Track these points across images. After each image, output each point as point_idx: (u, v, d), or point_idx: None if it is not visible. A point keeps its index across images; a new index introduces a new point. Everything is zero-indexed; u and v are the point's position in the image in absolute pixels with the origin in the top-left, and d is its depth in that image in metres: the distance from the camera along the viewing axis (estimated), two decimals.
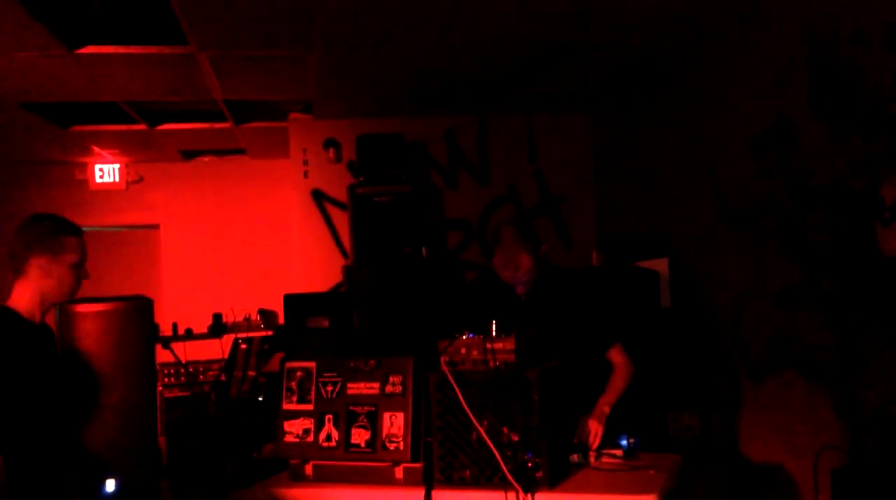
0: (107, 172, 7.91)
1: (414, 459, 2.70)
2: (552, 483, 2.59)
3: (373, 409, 2.75)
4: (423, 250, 5.92)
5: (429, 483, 2.67)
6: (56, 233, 2.52)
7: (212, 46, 4.55)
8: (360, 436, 2.75)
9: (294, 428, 2.84)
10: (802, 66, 3.65)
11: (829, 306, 3.54)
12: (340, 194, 6.31)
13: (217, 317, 6.36)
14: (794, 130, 3.76)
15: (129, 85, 5.29)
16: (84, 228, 8.67)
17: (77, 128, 6.50)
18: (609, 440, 3.01)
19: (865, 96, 3.24)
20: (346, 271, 6.16)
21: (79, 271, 2.57)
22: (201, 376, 6.71)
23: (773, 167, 3.95)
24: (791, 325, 3.85)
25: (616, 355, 3.33)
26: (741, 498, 4.08)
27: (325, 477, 2.81)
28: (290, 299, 5.70)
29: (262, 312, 6.33)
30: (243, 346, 6.22)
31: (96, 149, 7.37)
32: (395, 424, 2.71)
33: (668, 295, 4.73)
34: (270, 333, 6.21)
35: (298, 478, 2.85)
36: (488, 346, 2.69)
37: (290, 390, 2.88)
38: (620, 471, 2.78)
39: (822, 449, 3.45)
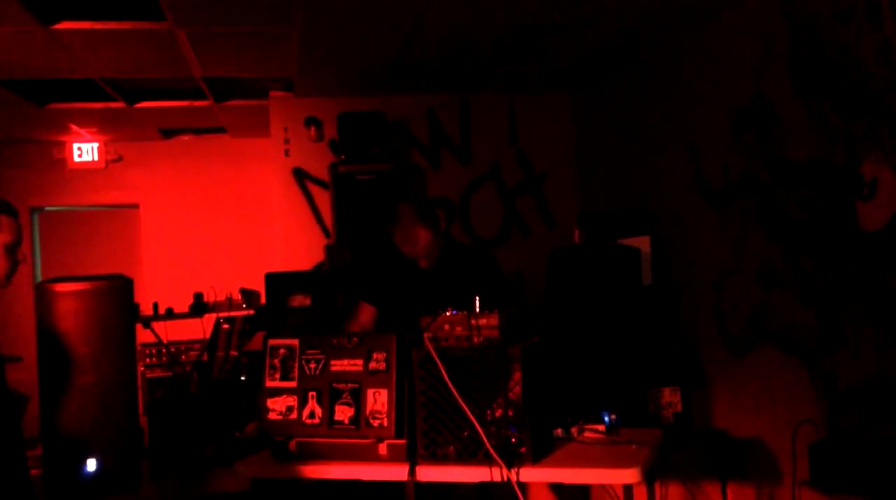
0: (85, 150, 7.82)
1: (398, 435, 2.70)
2: (535, 458, 2.61)
3: (356, 386, 2.75)
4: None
5: (412, 459, 2.68)
6: None
7: (189, 22, 4.49)
8: (343, 413, 2.75)
9: (277, 405, 2.84)
10: (782, 43, 3.65)
11: (809, 283, 3.57)
12: (322, 173, 6.28)
13: (198, 296, 6.33)
14: (774, 108, 3.78)
15: (106, 61, 5.22)
16: (63, 208, 8.58)
17: (54, 105, 6.42)
18: (591, 416, 3.03)
19: (846, 73, 3.25)
20: (328, 249, 6.14)
21: (13, 253, 2.43)
22: (183, 356, 6.70)
23: (754, 145, 3.97)
24: (770, 302, 3.88)
25: None
26: (721, 472, 4.13)
27: (308, 454, 2.81)
28: (271, 278, 5.68)
29: (243, 291, 6.31)
30: (225, 325, 6.22)
31: (74, 127, 7.28)
32: (378, 400, 2.71)
33: (649, 272, 4.76)
34: (252, 312, 6.19)
35: (282, 455, 2.85)
36: (472, 322, 2.69)
37: (272, 367, 2.87)
38: (603, 445, 2.81)
39: (800, 424, 3.49)
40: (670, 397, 4.40)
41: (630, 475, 2.52)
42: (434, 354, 2.66)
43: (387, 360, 2.73)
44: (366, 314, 3.69)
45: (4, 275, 2.45)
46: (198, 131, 7.79)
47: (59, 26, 4.45)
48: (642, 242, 4.79)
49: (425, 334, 2.71)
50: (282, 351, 2.87)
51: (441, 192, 6.50)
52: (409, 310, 3.32)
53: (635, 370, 4.38)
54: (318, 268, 6.22)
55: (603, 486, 3.13)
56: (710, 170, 4.42)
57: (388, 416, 2.69)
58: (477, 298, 2.73)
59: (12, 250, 2.45)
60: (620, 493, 2.62)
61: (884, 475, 2.83)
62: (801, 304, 3.63)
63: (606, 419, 2.96)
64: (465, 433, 2.63)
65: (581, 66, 5.76)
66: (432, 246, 3.58)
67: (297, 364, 2.84)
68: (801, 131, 3.58)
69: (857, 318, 3.25)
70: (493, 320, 2.68)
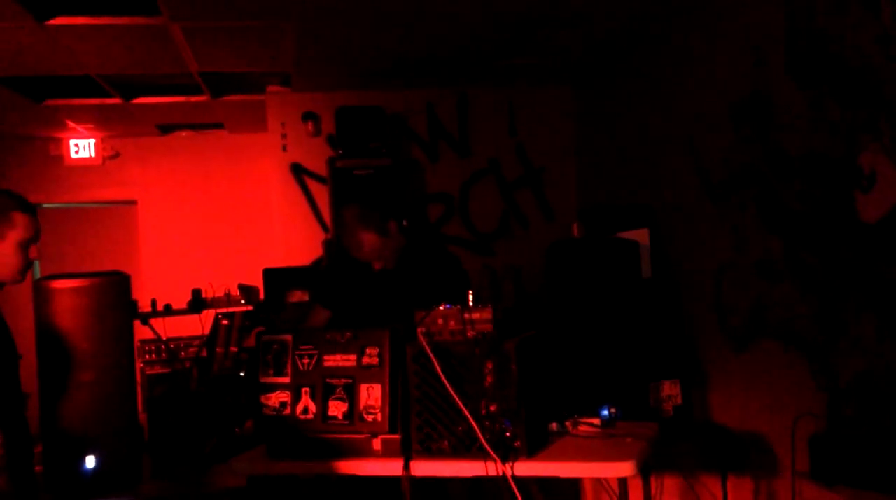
0: (82, 147, 7.81)
1: (392, 430, 2.69)
2: (530, 452, 2.59)
3: (350, 381, 2.74)
4: (404, 223, 5.89)
5: (407, 454, 2.67)
6: (2, 210, 2.39)
7: (185, 17, 4.46)
8: (337, 408, 2.74)
9: (271, 401, 2.82)
10: (780, 34, 3.62)
11: (809, 276, 3.55)
12: (320, 168, 6.26)
13: (196, 292, 6.33)
14: (773, 100, 3.75)
15: (102, 57, 5.20)
16: (60, 205, 8.57)
17: (51, 102, 6.40)
18: (590, 410, 3.01)
19: (844, 64, 3.22)
20: (327, 244, 6.13)
21: (27, 250, 2.44)
22: (182, 353, 6.69)
23: (753, 137, 3.94)
24: (770, 294, 3.86)
25: None
26: (720, 465, 4.11)
27: (302, 450, 2.79)
28: (269, 274, 5.68)
29: (241, 287, 6.30)
30: (224, 321, 6.21)
31: (71, 123, 7.26)
32: (372, 395, 2.70)
33: (648, 266, 4.74)
34: (251, 308, 6.18)
35: (276, 452, 2.84)
36: (466, 316, 2.68)
37: (266, 363, 2.86)
38: (598, 439, 2.79)
39: (800, 416, 3.47)
40: (670, 391, 4.38)
41: (625, 469, 2.51)
42: (428, 348, 2.64)
43: (380, 355, 2.72)
44: (319, 317, 3.63)
45: (16, 271, 2.44)
46: (195, 127, 7.78)
47: (53, 21, 4.43)
48: (641, 236, 4.77)
49: (419, 329, 2.70)
50: (275, 347, 2.85)
51: (440, 186, 6.49)
52: (362, 313, 3.32)
53: (635, 364, 4.36)
54: (317, 263, 6.21)
55: (599, 480, 3.11)
56: (710, 162, 4.39)
57: (382, 411, 2.68)
58: (470, 292, 2.71)
59: (26, 246, 2.44)
60: (616, 486, 2.60)
61: (884, 467, 2.81)
62: (801, 296, 3.61)
63: (606, 412, 2.95)
64: (460, 428, 2.62)
65: (581, 59, 5.73)
66: (381, 249, 3.52)
67: (290, 360, 2.82)
68: (799, 123, 3.55)
69: (858, 310, 3.23)
70: (487, 314, 2.66)
